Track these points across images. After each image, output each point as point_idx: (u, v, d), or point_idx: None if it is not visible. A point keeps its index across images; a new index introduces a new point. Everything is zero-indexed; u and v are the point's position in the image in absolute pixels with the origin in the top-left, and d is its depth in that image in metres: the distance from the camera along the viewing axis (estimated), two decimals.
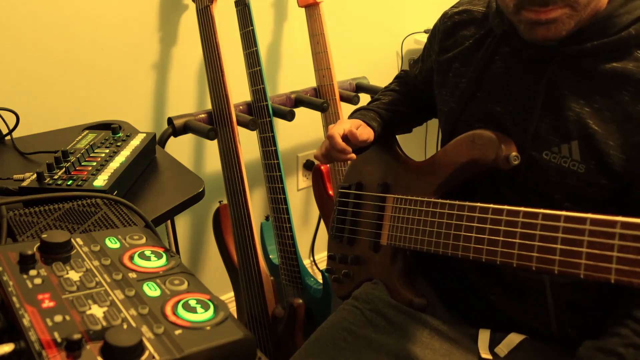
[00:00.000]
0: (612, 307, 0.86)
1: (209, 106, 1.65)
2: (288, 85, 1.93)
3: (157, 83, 1.70)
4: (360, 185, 1.14)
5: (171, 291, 0.60)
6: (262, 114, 1.63)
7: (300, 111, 1.77)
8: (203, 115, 1.62)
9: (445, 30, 1.05)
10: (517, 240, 0.79)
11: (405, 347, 1.04)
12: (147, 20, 1.63)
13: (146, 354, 0.50)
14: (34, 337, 0.51)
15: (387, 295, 1.06)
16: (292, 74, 1.96)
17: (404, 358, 1.03)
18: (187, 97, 1.78)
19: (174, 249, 1.69)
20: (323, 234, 2.06)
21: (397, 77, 1.28)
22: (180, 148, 1.76)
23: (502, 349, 0.99)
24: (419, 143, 2.30)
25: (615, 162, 0.84)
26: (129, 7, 1.59)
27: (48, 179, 0.98)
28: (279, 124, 1.88)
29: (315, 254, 2.14)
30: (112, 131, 1.19)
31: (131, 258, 0.66)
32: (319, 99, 1.77)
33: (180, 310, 0.56)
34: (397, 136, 1.18)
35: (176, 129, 1.58)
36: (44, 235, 0.66)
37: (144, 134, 1.19)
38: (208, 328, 0.54)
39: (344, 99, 1.82)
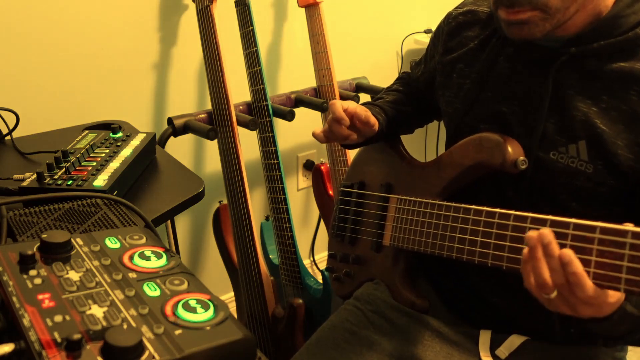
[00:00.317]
0: None
1: (209, 106, 1.65)
2: (288, 85, 1.93)
3: (157, 83, 1.70)
4: (362, 184, 1.14)
5: (171, 291, 0.60)
6: (262, 114, 1.63)
7: (300, 111, 1.77)
8: (203, 115, 1.62)
9: (450, 31, 1.05)
10: (523, 246, 0.78)
11: (407, 348, 1.04)
12: (147, 20, 1.63)
13: (146, 354, 0.50)
14: (34, 337, 0.51)
15: (389, 296, 1.06)
16: (292, 74, 1.96)
17: (406, 359, 1.03)
18: (187, 97, 1.78)
19: (174, 249, 1.69)
20: (323, 234, 2.06)
21: (399, 78, 1.28)
22: (180, 148, 1.76)
23: (503, 350, 0.99)
24: (419, 143, 2.29)
25: (623, 162, 0.84)
26: (129, 7, 1.59)
27: (48, 179, 0.98)
28: (279, 124, 1.88)
29: (315, 254, 2.14)
30: (112, 131, 1.19)
31: (131, 258, 0.66)
32: (319, 99, 1.77)
33: (180, 310, 0.56)
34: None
35: (176, 129, 1.58)
36: (44, 235, 0.66)
37: (144, 134, 1.19)
38: (208, 328, 0.54)
39: (344, 99, 1.82)
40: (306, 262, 2.13)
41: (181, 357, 0.50)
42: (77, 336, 0.50)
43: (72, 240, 0.68)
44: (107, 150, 1.10)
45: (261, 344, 1.73)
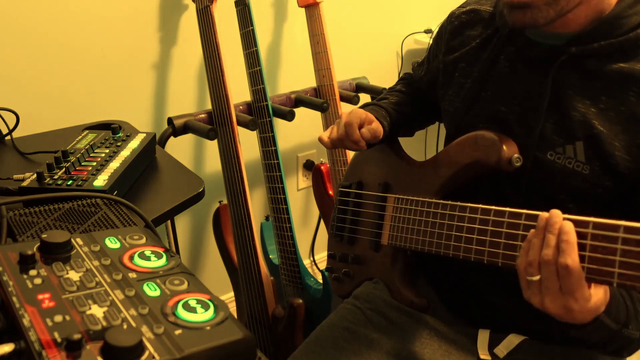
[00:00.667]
0: None
1: (209, 106, 1.65)
2: (288, 85, 1.93)
3: (157, 83, 1.70)
4: (360, 184, 1.14)
5: (171, 291, 0.60)
6: (262, 114, 1.63)
7: (300, 111, 1.77)
8: (203, 115, 1.62)
9: (452, 30, 1.05)
10: (519, 243, 0.79)
11: (405, 346, 1.04)
12: (147, 20, 1.63)
13: (146, 354, 0.50)
14: (34, 337, 0.51)
15: (388, 295, 1.06)
16: (292, 74, 1.96)
17: (404, 358, 1.03)
18: (187, 97, 1.78)
19: (174, 249, 1.69)
20: (323, 234, 2.06)
21: (401, 79, 1.28)
22: (180, 148, 1.76)
23: (502, 349, 0.99)
24: (419, 143, 2.29)
25: (620, 163, 0.84)
26: (129, 7, 1.59)
27: (48, 179, 0.98)
28: (279, 124, 1.88)
29: (315, 254, 2.14)
30: (112, 131, 1.19)
31: (131, 258, 0.66)
32: (319, 99, 1.77)
33: (180, 310, 0.56)
34: None
35: (176, 129, 1.58)
36: (44, 235, 0.66)
37: (144, 134, 1.19)
38: (208, 328, 0.54)
39: (344, 99, 1.82)
40: (306, 262, 2.13)
41: (181, 357, 0.50)
42: (77, 336, 0.50)
43: (72, 240, 0.68)
44: (107, 150, 1.10)
45: (261, 344, 1.73)
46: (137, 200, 1.03)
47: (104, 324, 0.54)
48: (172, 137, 1.58)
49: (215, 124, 1.59)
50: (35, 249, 0.65)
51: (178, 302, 0.57)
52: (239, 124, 1.58)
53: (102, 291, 0.59)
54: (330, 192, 1.84)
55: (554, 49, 0.88)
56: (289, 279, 1.77)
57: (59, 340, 0.51)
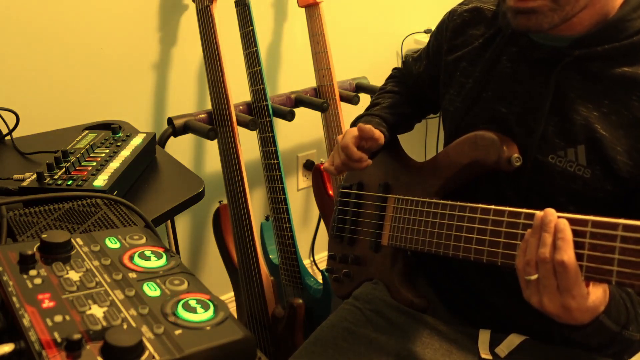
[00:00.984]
0: None
1: (209, 106, 1.65)
2: (288, 85, 1.93)
3: (157, 83, 1.70)
4: (361, 185, 1.14)
5: (171, 291, 0.60)
6: (262, 114, 1.63)
7: (300, 111, 1.77)
8: (203, 115, 1.62)
9: (454, 29, 1.04)
10: (518, 242, 0.79)
11: (406, 347, 1.04)
12: (147, 20, 1.63)
13: (146, 354, 0.50)
14: (34, 337, 0.51)
15: (388, 296, 1.06)
16: (292, 74, 1.96)
17: (404, 358, 1.03)
18: (187, 97, 1.78)
19: (174, 249, 1.69)
20: (323, 234, 2.06)
21: (391, 77, 1.27)
22: (180, 148, 1.76)
23: (503, 349, 0.99)
24: (419, 143, 2.30)
25: (621, 168, 0.83)
26: (129, 7, 1.59)
27: (48, 179, 0.98)
28: (279, 124, 1.88)
29: (315, 254, 2.14)
30: (112, 131, 1.19)
31: (131, 258, 0.66)
32: (319, 99, 1.77)
33: (180, 310, 0.56)
34: (397, 135, 1.18)
35: (176, 129, 1.58)
36: (44, 235, 0.66)
37: (144, 134, 1.19)
38: (208, 328, 0.54)
39: (344, 99, 1.82)
40: (306, 262, 2.13)
41: (181, 357, 0.50)
42: (77, 336, 0.50)
43: (72, 240, 0.68)
44: (107, 150, 1.10)
45: (261, 344, 1.73)
46: (137, 200, 1.03)
47: (104, 324, 0.54)
48: (172, 137, 1.58)
49: (215, 124, 1.59)
50: (35, 249, 0.65)
51: (178, 302, 0.57)
52: (239, 124, 1.58)
53: (102, 291, 0.59)
54: (330, 192, 1.84)
55: (557, 51, 0.88)
56: (289, 279, 1.76)
57: (59, 340, 0.51)
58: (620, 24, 0.83)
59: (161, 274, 0.63)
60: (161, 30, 1.66)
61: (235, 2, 1.60)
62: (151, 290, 0.60)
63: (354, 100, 1.82)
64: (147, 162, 1.17)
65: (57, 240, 0.65)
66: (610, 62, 0.85)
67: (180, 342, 0.52)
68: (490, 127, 0.94)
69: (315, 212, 2.10)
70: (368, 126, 1.01)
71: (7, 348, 0.53)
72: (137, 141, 1.15)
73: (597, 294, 0.74)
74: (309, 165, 2.10)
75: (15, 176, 1.04)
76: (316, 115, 1.87)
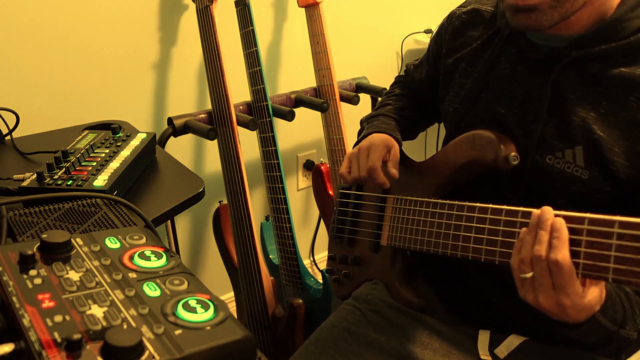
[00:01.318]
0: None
1: (209, 106, 1.65)
2: (288, 85, 1.93)
3: (157, 83, 1.70)
4: (360, 185, 1.14)
5: (171, 291, 0.60)
6: (262, 114, 1.63)
7: (300, 111, 1.77)
8: (203, 115, 1.62)
9: (454, 31, 1.04)
10: (516, 241, 0.79)
11: (405, 347, 1.04)
12: (147, 20, 1.63)
13: (146, 354, 0.50)
14: (34, 337, 0.51)
15: (387, 296, 1.06)
16: (292, 74, 1.96)
17: (404, 358, 1.03)
18: (187, 97, 1.78)
19: (174, 249, 1.69)
20: (323, 234, 2.06)
21: (397, 82, 1.27)
22: (180, 148, 1.76)
23: (502, 350, 0.99)
24: (419, 143, 2.29)
25: (619, 169, 0.83)
26: (129, 7, 1.59)
27: (48, 179, 0.98)
28: (279, 124, 1.88)
29: (315, 254, 2.14)
30: (112, 131, 1.19)
31: (131, 258, 0.66)
32: (319, 99, 1.77)
33: (180, 310, 0.56)
34: None
35: (176, 129, 1.58)
36: (44, 235, 0.66)
37: (144, 134, 1.19)
38: (208, 328, 0.54)
39: (344, 99, 1.82)
40: (306, 262, 2.13)
41: (181, 357, 0.50)
42: (77, 336, 0.50)
43: (72, 240, 0.68)
44: (107, 150, 1.10)
45: (261, 344, 1.73)
46: (137, 200, 1.03)
47: (104, 324, 0.54)
48: (172, 137, 1.58)
49: (215, 124, 1.59)
50: (35, 249, 0.65)
51: (178, 302, 0.57)
52: (239, 124, 1.58)
53: (102, 291, 0.59)
54: (330, 192, 1.84)
55: (555, 51, 0.88)
56: (289, 279, 1.77)
57: (59, 340, 0.51)
58: (618, 24, 0.83)
59: (161, 274, 0.63)
60: (161, 30, 1.66)
61: (235, 2, 1.61)
62: (151, 290, 0.60)
63: (354, 100, 1.82)
64: (147, 162, 1.17)
65: (57, 240, 0.65)
66: (608, 63, 0.85)
67: (180, 342, 0.52)
68: (490, 127, 0.94)
69: (315, 212, 2.10)
70: (398, 153, 1.01)
71: (7, 348, 0.53)
72: (137, 141, 1.15)
73: (593, 293, 0.74)
74: (309, 165, 2.10)
75: (15, 176, 1.04)
76: (316, 115, 1.87)
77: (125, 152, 1.09)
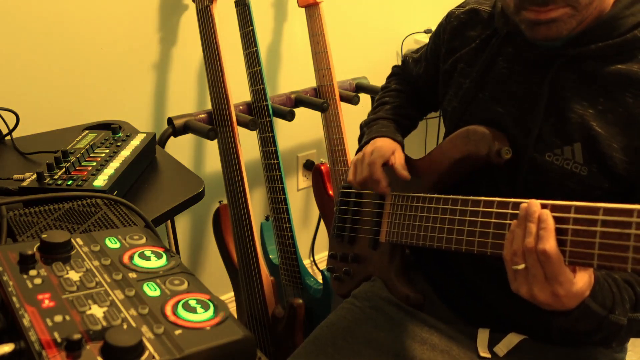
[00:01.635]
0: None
1: (209, 106, 1.65)
2: (288, 85, 1.93)
3: (157, 83, 1.70)
4: None
5: (171, 291, 0.60)
6: (262, 114, 1.63)
7: (300, 111, 1.77)
8: (203, 115, 1.62)
9: (452, 31, 1.05)
10: (506, 232, 0.80)
11: (404, 343, 1.04)
12: (147, 21, 1.63)
13: (146, 354, 0.50)
14: (34, 337, 0.51)
15: (387, 292, 1.07)
16: (292, 74, 1.96)
17: (403, 356, 1.03)
18: (187, 97, 1.78)
19: (174, 249, 1.69)
20: (323, 234, 2.06)
21: (394, 75, 1.27)
22: (180, 148, 1.76)
23: (502, 348, 0.99)
24: (419, 143, 2.30)
25: (617, 165, 0.84)
26: (129, 7, 1.59)
27: (48, 179, 0.98)
28: (279, 124, 1.88)
29: (315, 254, 2.14)
30: (112, 131, 1.19)
31: (131, 258, 0.66)
32: (319, 99, 1.77)
33: (180, 310, 0.56)
34: None
35: (176, 129, 1.58)
36: (44, 235, 0.66)
37: (144, 134, 1.19)
38: (208, 328, 0.54)
39: (344, 99, 1.82)
40: (306, 262, 2.13)
41: (181, 357, 0.50)
42: (77, 336, 0.50)
43: (72, 240, 0.68)
44: (107, 150, 1.10)
45: (261, 344, 1.73)
46: (137, 200, 1.03)
47: (104, 324, 0.54)
48: (172, 137, 1.58)
49: (215, 124, 1.59)
50: (35, 249, 0.65)
51: (178, 302, 0.58)
52: (239, 124, 1.58)
53: (102, 291, 0.59)
54: (330, 192, 1.84)
55: (551, 50, 0.88)
56: (289, 279, 1.77)
57: (59, 340, 0.51)
58: (613, 22, 0.84)
59: (161, 274, 0.63)
60: (161, 30, 1.66)
61: (235, 2, 1.61)
62: (151, 290, 0.60)
63: (354, 100, 1.82)
64: (147, 162, 1.18)
65: (57, 240, 0.65)
66: (604, 60, 0.85)
67: (180, 342, 0.52)
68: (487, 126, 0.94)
69: (315, 212, 2.10)
70: (403, 170, 1.01)
71: (7, 348, 0.53)
72: (137, 141, 1.15)
73: (583, 279, 0.75)
74: (309, 165, 2.10)
75: (15, 176, 1.04)
76: (316, 115, 1.87)
77: (125, 152, 1.09)
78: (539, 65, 0.90)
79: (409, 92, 1.21)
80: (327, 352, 1.04)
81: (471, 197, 0.86)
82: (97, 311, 0.56)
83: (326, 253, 1.20)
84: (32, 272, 0.61)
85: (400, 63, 1.29)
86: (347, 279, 1.15)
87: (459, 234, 0.87)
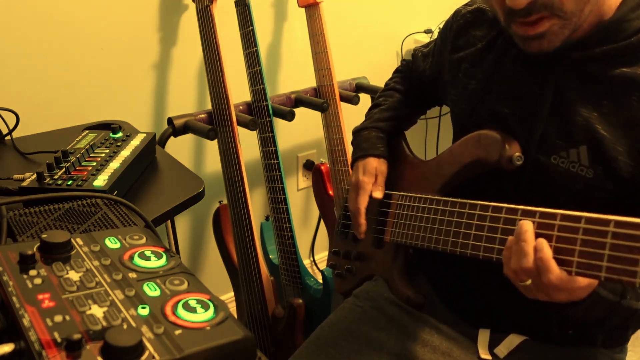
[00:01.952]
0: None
1: (209, 106, 1.65)
2: (288, 85, 1.93)
3: (157, 83, 1.70)
4: None
5: (171, 291, 0.60)
6: (262, 114, 1.63)
7: (300, 111, 1.77)
8: (203, 115, 1.62)
9: (458, 29, 1.04)
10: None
11: (406, 344, 1.04)
12: (147, 21, 1.63)
13: (146, 354, 0.50)
14: (34, 337, 0.51)
15: (388, 292, 1.07)
16: (292, 74, 1.96)
17: (404, 357, 1.03)
18: (187, 97, 1.78)
19: (174, 249, 1.69)
20: (323, 234, 2.06)
21: (398, 72, 1.27)
22: (180, 148, 1.75)
23: (502, 349, 0.99)
24: (419, 143, 2.30)
25: (622, 168, 0.83)
26: (129, 7, 1.59)
27: (48, 179, 0.98)
28: (279, 124, 1.88)
29: (315, 254, 2.14)
30: (112, 131, 1.19)
31: (131, 258, 0.66)
32: (319, 99, 1.77)
33: (180, 310, 0.56)
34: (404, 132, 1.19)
35: (176, 129, 1.58)
36: (44, 235, 0.66)
37: (144, 134, 1.19)
38: (208, 328, 0.54)
39: (344, 99, 1.82)
40: (306, 262, 2.13)
41: (181, 357, 0.50)
42: (77, 336, 0.50)
43: (72, 240, 0.68)
44: (107, 151, 1.10)
45: (261, 344, 1.73)
46: (137, 200, 1.03)
47: (104, 324, 0.54)
48: (172, 137, 1.58)
49: (215, 124, 1.59)
50: (35, 249, 0.65)
51: (178, 302, 0.57)
52: (239, 124, 1.58)
53: (102, 291, 0.59)
54: (330, 192, 1.84)
55: (556, 53, 0.88)
56: (289, 279, 1.77)
57: (59, 340, 0.51)
58: (618, 25, 0.83)
59: (161, 274, 0.63)
60: (161, 30, 1.66)
61: (235, 2, 1.61)
62: (151, 290, 0.60)
63: (354, 100, 1.82)
64: (147, 162, 1.18)
65: (57, 240, 0.65)
66: (609, 63, 0.85)
67: (180, 342, 0.52)
68: (494, 127, 0.94)
69: (315, 212, 2.10)
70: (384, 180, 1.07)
71: (7, 348, 0.53)
72: (137, 141, 1.15)
73: None
74: (309, 165, 2.10)
75: (15, 176, 1.04)
76: (316, 115, 1.87)
77: (125, 152, 1.09)
78: (543, 67, 0.90)
79: (408, 90, 1.21)
80: (328, 352, 1.04)
81: (479, 202, 0.86)
82: (97, 311, 0.56)
83: (326, 253, 1.20)
84: (32, 272, 0.61)
85: (399, 63, 1.28)
86: (349, 277, 1.15)
87: (465, 238, 0.87)
